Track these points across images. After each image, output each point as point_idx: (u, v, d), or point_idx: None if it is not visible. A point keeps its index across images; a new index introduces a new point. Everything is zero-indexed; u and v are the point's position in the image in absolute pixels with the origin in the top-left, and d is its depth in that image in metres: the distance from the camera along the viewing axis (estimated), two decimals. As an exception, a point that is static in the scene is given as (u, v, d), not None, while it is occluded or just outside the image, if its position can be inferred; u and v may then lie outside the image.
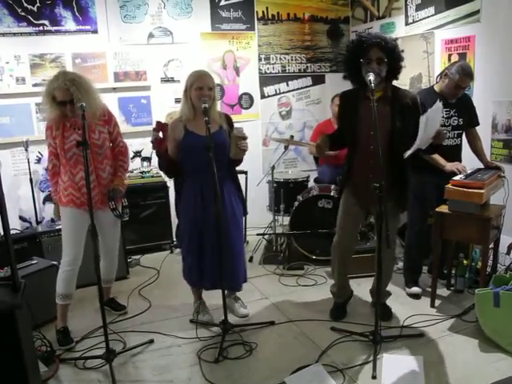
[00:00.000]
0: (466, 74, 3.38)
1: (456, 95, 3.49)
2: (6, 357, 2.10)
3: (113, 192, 3.20)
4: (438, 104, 2.81)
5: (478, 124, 3.67)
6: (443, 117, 3.51)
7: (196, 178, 3.17)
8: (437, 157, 3.45)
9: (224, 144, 3.13)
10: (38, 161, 4.76)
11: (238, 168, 3.38)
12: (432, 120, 2.76)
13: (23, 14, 4.53)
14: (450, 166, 3.45)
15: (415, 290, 3.72)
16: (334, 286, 3.52)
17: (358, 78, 2.99)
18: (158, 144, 3.03)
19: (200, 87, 3.06)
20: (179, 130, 3.15)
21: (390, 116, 3.00)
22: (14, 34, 4.54)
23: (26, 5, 4.52)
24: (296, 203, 4.54)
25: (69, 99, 3.00)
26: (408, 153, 2.82)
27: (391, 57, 2.96)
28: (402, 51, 3.03)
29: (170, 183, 3.34)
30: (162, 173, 3.34)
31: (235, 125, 3.26)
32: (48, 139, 3.18)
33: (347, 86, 3.22)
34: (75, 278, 3.21)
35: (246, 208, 3.52)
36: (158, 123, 3.06)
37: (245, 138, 3.10)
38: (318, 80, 5.84)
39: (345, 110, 3.20)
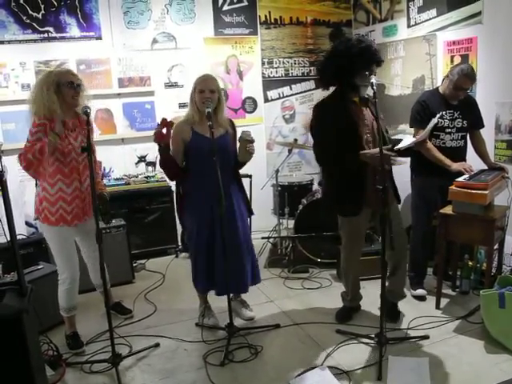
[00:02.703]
0: (465, 74, 3.37)
1: (457, 97, 3.49)
2: (13, 361, 2.11)
3: (102, 197, 3.19)
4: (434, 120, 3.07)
5: (482, 126, 3.66)
6: (447, 119, 3.52)
7: (205, 180, 3.14)
8: (442, 157, 3.46)
9: (228, 148, 3.18)
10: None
11: (241, 172, 3.41)
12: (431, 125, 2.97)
13: (28, 21, 4.57)
14: (456, 165, 3.44)
15: (420, 292, 3.72)
16: (346, 294, 3.52)
17: (349, 83, 3.02)
18: (159, 137, 3.03)
19: (202, 90, 3.09)
20: (186, 131, 3.15)
21: (373, 117, 3.08)
22: (20, 42, 4.59)
23: (31, 12, 4.56)
24: (300, 206, 4.55)
25: (77, 82, 3.00)
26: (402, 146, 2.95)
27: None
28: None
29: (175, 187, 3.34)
30: (165, 175, 3.32)
31: (242, 128, 3.28)
32: (38, 134, 2.89)
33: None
34: (77, 290, 3.21)
35: (251, 209, 3.52)
36: (163, 120, 3.06)
37: (252, 142, 3.13)
38: (322, 83, 5.84)
39: (334, 119, 3.02)
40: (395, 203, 3.25)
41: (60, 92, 2.96)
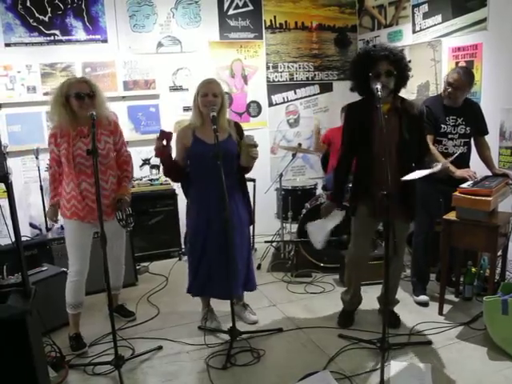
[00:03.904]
0: (457, 72, 3.44)
1: (454, 97, 3.48)
2: (16, 362, 2.12)
3: (120, 202, 3.21)
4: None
5: (486, 133, 3.65)
6: (450, 125, 3.52)
7: (202, 185, 3.19)
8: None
9: (231, 153, 3.16)
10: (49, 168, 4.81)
11: (246, 176, 3.40)
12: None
13: (35, 24, 4.61)
14: (460, 172, 3.44)
15: (423, 298, 3.71)
16: (346, 294, 3.51)
17: (367, 89, 3.00)
18: (160, 153, 3.10)
19: (205, 93, 3.11)
20: (188, 136, 3.19)
21: (398, 128, 3.01)
22: (26, 44, 4.62)
23: (37, 15, 4.60)
24: (304, 210, 4.55)
25: (87, 92, 3.05)
26: (415, 176, 2.86)
27: (399, 68, 2.97)
28: (409, 61, 3.06)
29: (179, 190, 3.36)
30: (169, 180, 3.37)
31: (245, 133, 3.28)
32: (51, 146, 3.17)
33: (354, 94, 3.23)
34: (83, 287, 3.23)
35: (253, 217, 3.52)
36: (162, 132, 3.11)
37: (255, 146, 3.12)
38: (326, 88, 5.86)
39: (356, 121, 3.10)
40: (404, 219, 3.19)
41: (69, 103, 3.06)
